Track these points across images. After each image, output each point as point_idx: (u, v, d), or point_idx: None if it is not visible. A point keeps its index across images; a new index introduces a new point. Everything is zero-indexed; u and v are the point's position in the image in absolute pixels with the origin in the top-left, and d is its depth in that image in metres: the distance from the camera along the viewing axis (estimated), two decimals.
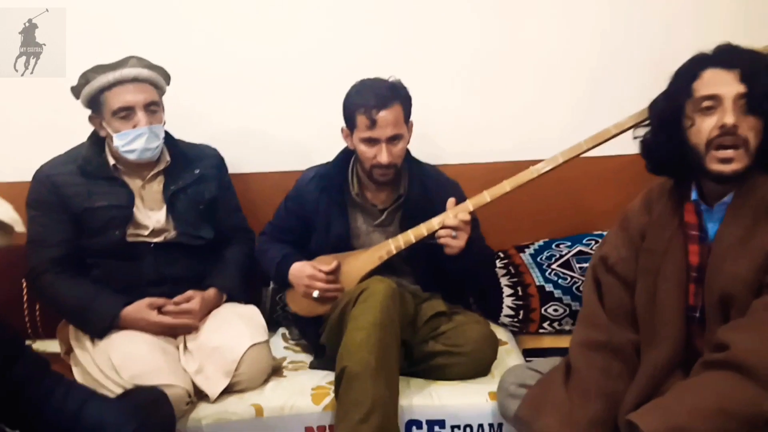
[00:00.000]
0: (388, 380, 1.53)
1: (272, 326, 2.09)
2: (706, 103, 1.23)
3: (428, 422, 1.61)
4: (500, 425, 1.60)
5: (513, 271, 2.15)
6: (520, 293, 2.09)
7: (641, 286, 1.37)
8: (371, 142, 1.71)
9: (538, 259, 2.18)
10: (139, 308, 1.71)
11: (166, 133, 1.87)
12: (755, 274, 1.19)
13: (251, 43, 2.18)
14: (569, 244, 2.20)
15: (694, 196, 1.32)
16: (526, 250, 2.22)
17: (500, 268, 2.16)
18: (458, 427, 1.61)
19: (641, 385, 1.32)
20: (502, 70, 2.21)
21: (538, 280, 2.11)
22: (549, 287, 2.09)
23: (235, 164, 2.14)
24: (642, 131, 1.39)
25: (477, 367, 1.71)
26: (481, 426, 1.61)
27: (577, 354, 1.41)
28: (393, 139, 1.71)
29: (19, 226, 1.24)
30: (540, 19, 2.17)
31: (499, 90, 2.22)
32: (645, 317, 1.37)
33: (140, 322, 1.70)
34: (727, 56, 1.24)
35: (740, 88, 1.20)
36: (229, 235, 1.97)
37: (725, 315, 1.26)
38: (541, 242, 2.24)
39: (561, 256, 2.17)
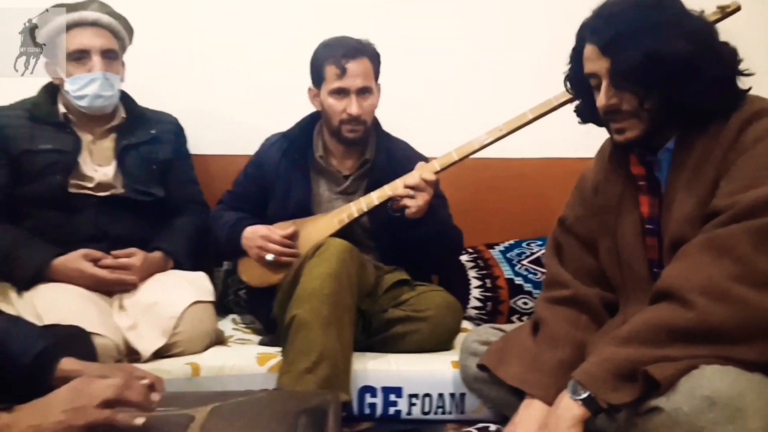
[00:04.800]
0: (340, 334, 1.39)
1: (222, 312, 1.94)
2: (592, 81, 1.16)
3: (384, 389, 1.45)
4: (462, 395, 1.45)
5: (482, 264, 2.05)
6: (488, 285, 1.98)
7: (603, 248, 1.29)
8: (341, 93, 1.65)
9: (508, 255, 2.09)
10: (73, 258, 1.56)
11: (126, 94, 1.80)
12: (700, 211, 1.11)
13: (224, 24, 2.15)
14: (540, 243, 2.12)
15: None
16: (496, 247, 2.13)
17: (468, 261, 2.06)
18: (416, 396, 1.45)
19: None
20: (475, 67, 2.20)
21: (508, 273, 2.01)
22: (518, 281, 1.99)
23: (198, 145, 2.06)
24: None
25: (439, 336, 1.57)
26: (441, 396, 1.45)
27: (542, 308, 1.32)
28: (363, 92, 1.65)
29: None
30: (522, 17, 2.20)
31: (472, 84, 2.19)
32: (616, 279, 1.28)
33: (73, 272, 1.54)
34: (591, 26, 1.14)
35: (607, 64, 1.11)
36: (182, 207, 1.85)
37: None
38: (511, 241, 2.16)
39: (532, 254, 2.08)
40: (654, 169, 1.22)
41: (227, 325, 1.84)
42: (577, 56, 1.20)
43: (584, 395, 1.04)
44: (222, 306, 1.92)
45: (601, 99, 1.13)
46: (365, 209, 1.65)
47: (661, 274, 1.14)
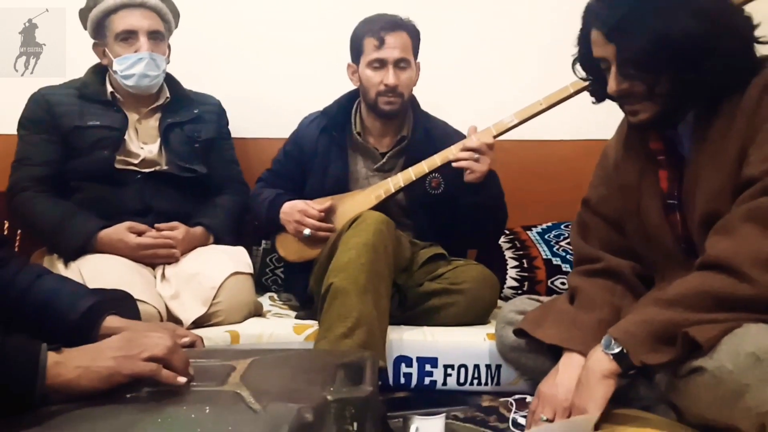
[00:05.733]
0: (376, 302, 1.39)
1: (260, 290, 1.97)
2: (602, 65, 1.14)
3: (419, 359, 1.46)
4: (498, 367, 1.44)
5: (518, 245, 2.04)
6: (525, 265, 1.97)
7: (630, 229, 1.27)
8: (378, 64, 1.66)
9: (546, 236, 2.07)
10: (118, 230, 1.61)
11: (171, 76, 1.85)
12: (729, 183, 1.08)
13: (264, 12, 2.20)
14: None
15: None
16: (533, 229, 2.12)
17: (505, 242, 2.05)
18: (451, 366, 1.45)
19: None
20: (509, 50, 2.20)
21: (545, 254, 1.99)
22: (556, 261, 1.97)
23: (238, 129, 2.10)
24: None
25: (476, 310, 1.57)
26: (477, 367, 1.45)
27: (576, 280, 1.31)
28: (400, 63, 1.67)
29: None
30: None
31: (506, 63, 2.21)
32: (647, 257, 1.26)
33: (118, 243, 1.60)
34: (595, 11, 1.11)
35: (613, 50, 1.08)
36: (223, 185, 1.89)
37: None
38: (549, 224, 2.14)
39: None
40: (675, 143, 1.19)
41: (264, 302, 1.86)
42: (584, 39, 1.16)
43: (617, 350, 1.03)
44: (260, 284, 1.96)
45: (611, 85, 1.11)
46: (402, 185, 1.66)
47: (697, 248, 1.12)
